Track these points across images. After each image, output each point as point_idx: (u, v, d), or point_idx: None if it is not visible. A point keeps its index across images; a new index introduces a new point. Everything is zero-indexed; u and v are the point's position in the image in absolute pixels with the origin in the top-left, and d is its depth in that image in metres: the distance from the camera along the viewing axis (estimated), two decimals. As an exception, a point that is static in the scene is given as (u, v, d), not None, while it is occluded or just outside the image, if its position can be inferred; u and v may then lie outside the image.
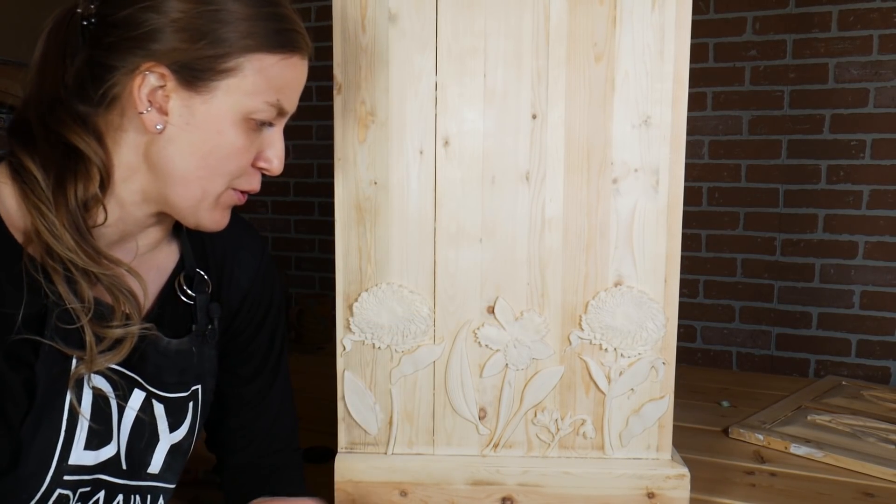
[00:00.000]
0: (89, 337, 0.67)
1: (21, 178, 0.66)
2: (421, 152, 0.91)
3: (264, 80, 0.68)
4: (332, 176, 0.92)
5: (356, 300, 0.93)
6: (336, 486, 0.94)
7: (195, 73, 0.66)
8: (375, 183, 0.92)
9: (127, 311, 0.69)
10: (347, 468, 0.94)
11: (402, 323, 0.93)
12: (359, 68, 0.90)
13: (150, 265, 0.78)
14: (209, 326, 0.82)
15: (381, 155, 0.91)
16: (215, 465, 0.90)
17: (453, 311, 0.93)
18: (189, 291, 0.81)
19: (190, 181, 0.69)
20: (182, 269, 0.81)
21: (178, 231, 0.82)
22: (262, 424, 0.88)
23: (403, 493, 0.94)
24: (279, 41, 0.68)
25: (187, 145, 0.67)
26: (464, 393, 0.95)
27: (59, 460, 0.69)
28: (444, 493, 0.94)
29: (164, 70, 0.65)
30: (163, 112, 0.66)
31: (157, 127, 0.66)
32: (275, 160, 0.74)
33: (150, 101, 0.66)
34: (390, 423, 0.96)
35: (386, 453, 0.96)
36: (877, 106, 2.45)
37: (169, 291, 0.80)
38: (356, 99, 0.91)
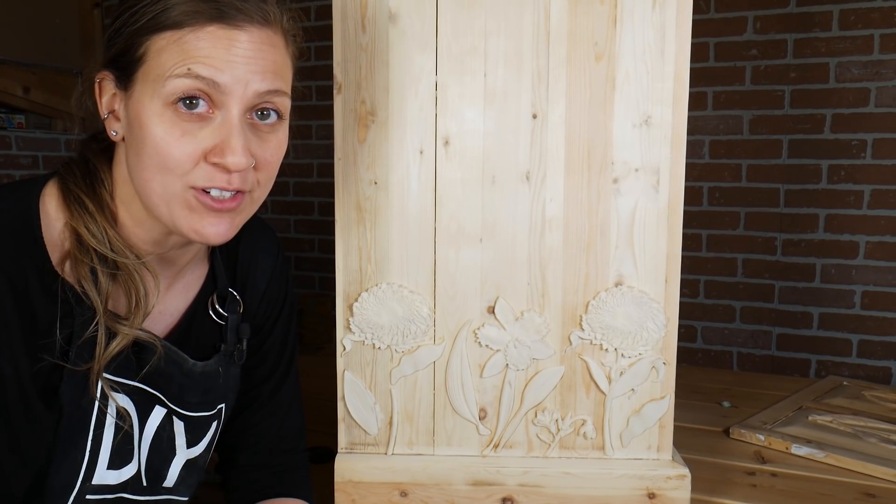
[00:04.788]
0: (101, 332, 0.68)
1: (65, 181, 0.70)
2: (421, 152, 0.91)
3: (169, 58, 0.63)
4: (332, 176, 0.92)
5: (356, 300, 0.93)
6: (336, 487, 0.94)
7: (119, 72, 0.67)
8: (375, 183, 0.92)
9: (137, 301, 0.70)
10: (347, 468, 0.94)
11: (402, 323, 0.93)
12: (359, 68, 0.90)
13: (179, 283, 0.78)
14: (237, 346, 0.82)
15: (381, 155, 0.91)
16: (217, 464, 0.90)
17: (453, 311, 0.93)
18: (221, 311, 0.80)
19: (146, 186, 0.66)
20: (213, 288, 0.81)
21: (211, 248, 0.82)
22: (271, 424, 0.88)
23: (403, 494, 0.94)
24: (166, 18, 0.64)
25: (134, 148, 0.66)
26: (464, 393, 0.95)
27: (83, 480, 0.70)
28: (445, 494, 0.94)
29: (108, 77, 0.67)
30: (117, 118, 0.68)
31: (113, 133, 0.68)
32: (226, 152, 0.64)
33: (109, 110, 0.68)
34: (390, 423, 0.96)
35: (386, 454, 0.96)
36: (878, 105, 2.45)
37: (196, 309, 0.79)
38: (356, 99, 0.91)
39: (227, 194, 0.66)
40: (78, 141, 0.75)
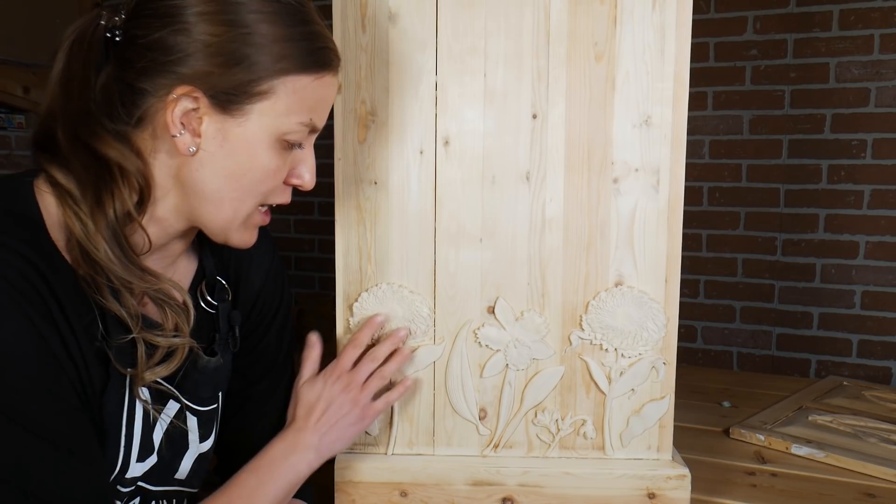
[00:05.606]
0: (141, 349, 0.68)
1: (57, 190, 0.65)
2: (421, 152, 0.91)
3: (298, 101, 0.67)
4: (332, 176, 0.92)
5: (356, 300, 0.93)
6: (336, 487, 0.94)
7: (229, 97, 0.65)
8: (375, 183, 0.92)
9: (177, 323, 0.70)
10: (347, 468, 0.94)
11: (402, 323, 0.93)
12: (359, 68, 0.90)
13: (171, 275, 0.78)
14: (230, 334, 0.82)
15: (381, 155, 0.91)
16: (216, 465, 0.90)
17: (453, 311, 0.93)
18: (211, 300, 0.81)
19: (222, 202, 0.69)
20: (202, 278, 0.81)
21: (197, 238, 0.81)
22: (267, 424, 0.88)
23: (403, 494, 0.94)
24: (312, 61, 0.68)
25: (221, 168, 0.67)
26: (464, 393, 0.95)
27: (118, 474, 0.71)
28: (445, 494, 0.94)
29: (198, 94, 0.64)
30: (195, 134, 0.66)
31: (191, 149, 0.66)
32: (307, 175, 0.74)
33: (183, 124, 0.65)
34: (390, 423, 0.96)
35: (386, 454, 0.96)
36: (878, 105, 2.45)
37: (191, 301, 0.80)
38: (356, 99, 0.91)
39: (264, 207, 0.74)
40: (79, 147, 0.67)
